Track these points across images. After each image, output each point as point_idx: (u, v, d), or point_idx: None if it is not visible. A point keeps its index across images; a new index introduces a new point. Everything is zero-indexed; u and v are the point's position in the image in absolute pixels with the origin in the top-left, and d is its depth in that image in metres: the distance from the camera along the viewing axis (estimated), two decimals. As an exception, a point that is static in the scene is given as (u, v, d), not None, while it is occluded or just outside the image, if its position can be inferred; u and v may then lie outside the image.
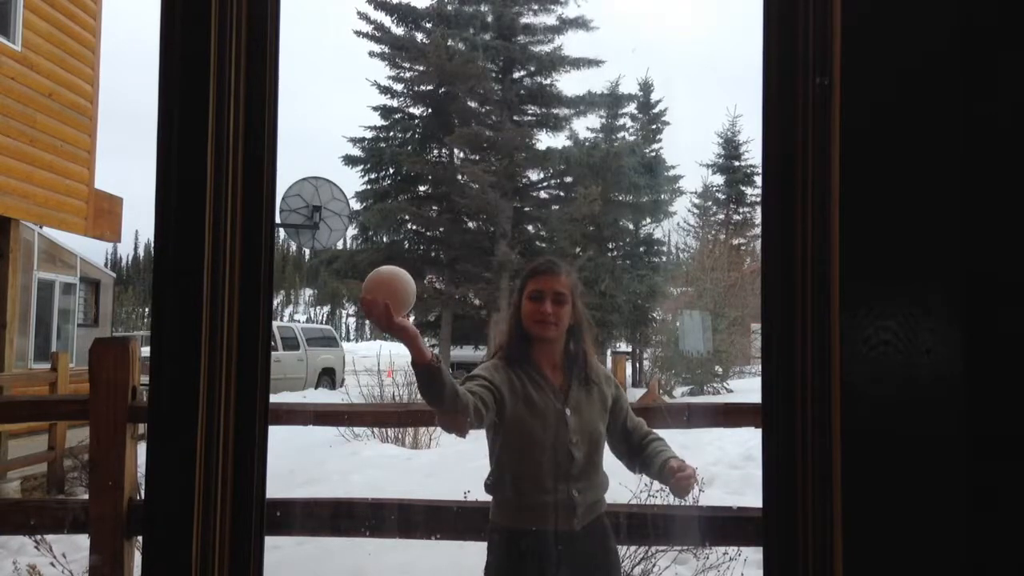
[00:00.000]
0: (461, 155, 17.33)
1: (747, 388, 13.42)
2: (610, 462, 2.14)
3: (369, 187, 17.37)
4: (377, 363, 11.05)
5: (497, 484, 2.02)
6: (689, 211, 23.32)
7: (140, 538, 2.41)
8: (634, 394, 11.57)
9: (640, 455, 2.12)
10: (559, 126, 17.45)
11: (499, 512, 2.02)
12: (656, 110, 19.46)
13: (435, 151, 17.80)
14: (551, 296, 2.02)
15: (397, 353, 15.27)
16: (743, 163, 24.07)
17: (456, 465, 5.76)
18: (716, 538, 2.92)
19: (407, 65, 17.13)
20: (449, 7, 17.17)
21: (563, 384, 2.05)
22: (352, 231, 17.23)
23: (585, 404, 2.05)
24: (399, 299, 1.70)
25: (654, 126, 19.29)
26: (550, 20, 17.19)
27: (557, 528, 1.95)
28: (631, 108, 19.19)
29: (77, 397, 3.55)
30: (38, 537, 3.44)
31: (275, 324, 16.07)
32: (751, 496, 4.22)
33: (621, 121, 19.08)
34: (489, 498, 2.06)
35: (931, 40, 0.90)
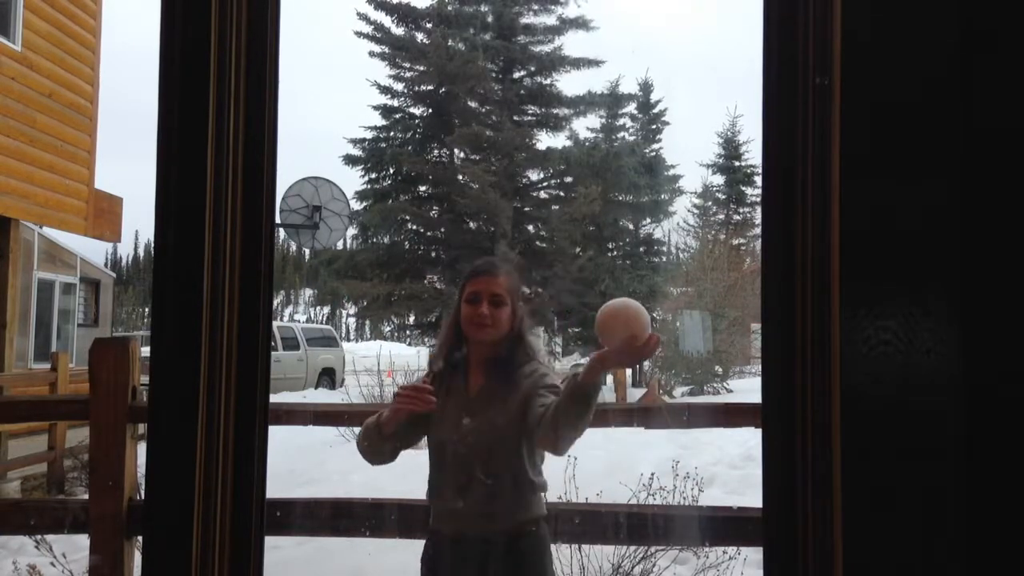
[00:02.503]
0: (461, 155, 17.31)
1: (747, 388, 13.41)
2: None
3: (369, 187, 17.36)
4: (377, 363, 11.07)
5: (428, 486, 2.03)
6: (689, 211, 23.28)
7: (140, 538, 2.41)
8: (634, 394, 11.57)
9: (547, 420, 1.79)
10: (559, 126, 17.43)
11: (430, 512, 2.04)
12: (656, 110, 19.47)
13: (435, 151, 17.78)
14: (488, 298, 1.95)
15: (397, 353, 15.31)
16: (743, 163, 24.02)
17: (456, 465, 5.74)
18: (716, 538, 2.92)
19: (407, 65, 17.12)
20: (449, 7, 17.15)
21: (478, 391, 1.96)
22: (352, 231, 17.23)
23: (498, 411, 1.91)
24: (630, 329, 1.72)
25: (654, 126, 19.31)
26: (550, 20, 17.19)
27: (473, 535, 1.90)
28: (631, 108, 19.22)
29: (77, 397, 3.55)
30: (38, 537, 3.44)
31: (275, 324, 16.07)
32: (751, 496, 4.21)
33: (621, 121, 19.11)
34: None
35: (931, 40, 0.91)
